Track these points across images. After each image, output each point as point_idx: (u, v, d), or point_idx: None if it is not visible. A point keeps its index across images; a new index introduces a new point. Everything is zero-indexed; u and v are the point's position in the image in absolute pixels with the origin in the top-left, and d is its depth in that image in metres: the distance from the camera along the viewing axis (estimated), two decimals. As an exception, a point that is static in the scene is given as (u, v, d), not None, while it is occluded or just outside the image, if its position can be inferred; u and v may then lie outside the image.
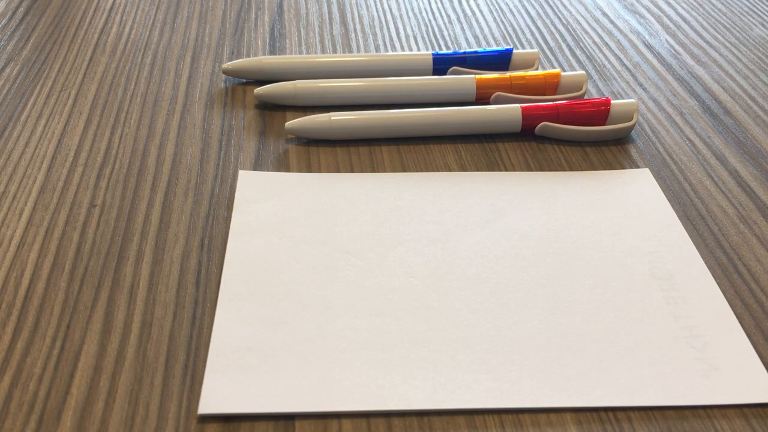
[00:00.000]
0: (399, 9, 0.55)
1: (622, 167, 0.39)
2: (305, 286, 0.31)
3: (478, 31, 0.52)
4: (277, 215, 0.34)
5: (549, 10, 0.55)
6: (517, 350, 0.28)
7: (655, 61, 0.49)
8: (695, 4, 0.57)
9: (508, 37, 0.51)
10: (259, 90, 0.42)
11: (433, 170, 0.38)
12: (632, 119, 0.40)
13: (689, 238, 0.34)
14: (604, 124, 0.40)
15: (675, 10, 0.56)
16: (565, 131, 0.40)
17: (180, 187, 0.36)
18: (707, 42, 0.51)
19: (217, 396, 0.26)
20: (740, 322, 0.30)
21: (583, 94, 0.43)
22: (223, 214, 0.34)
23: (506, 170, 0.38)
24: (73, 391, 0.26)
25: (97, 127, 0.41)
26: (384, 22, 0.53)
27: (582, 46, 0.50)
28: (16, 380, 0.27)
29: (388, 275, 0.31)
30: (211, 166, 0.38)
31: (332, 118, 0.39)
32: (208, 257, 0.32)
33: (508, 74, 0.43)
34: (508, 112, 0.40)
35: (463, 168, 0.38)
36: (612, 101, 0.40)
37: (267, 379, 0.27)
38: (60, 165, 0.38)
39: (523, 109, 0.40)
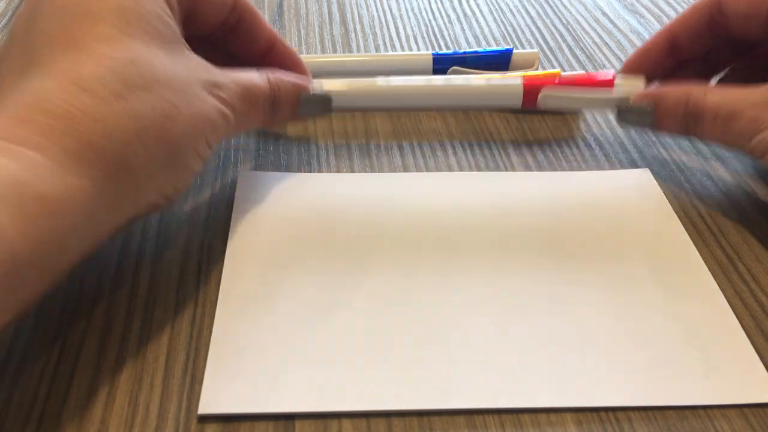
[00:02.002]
0: (399, 9, 0.55)
1: (622, 167, 0.39)
2: (305, 286, 0.31)
3: (478, 31, 0.52)
4: (277, 215, 0.34)
5: (549, 10, 0.55)
6: (517, 350, 0.28)
7: (655, 61, 0.49)
8: (695, 4, 0.57)
9: (508, 37, 0.51)
10: (260, 90, 0.43)
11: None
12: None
13: (689, 238, 0.34)
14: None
15: (675, 10, 0.56)
16: (567, 99, 0.39)
17: (180, 187, 0.36)
18: (707, 42, 0.51)
19: (217, 396, 0.26)
20: (740, 322, 0.30)
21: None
22: (223, 214, 0.34)
23: (505, 168, 0.38)
24: (73, 391, 0.26)
25: (97, 127, 0.41)
26: (384, 22, 0.53)
27: (582, 46, 0.50)
28: (16, 380, 0.27)
29: (388, 275, 0.31)
30: (211, 166, 0.38)
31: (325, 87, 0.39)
32: (208, 257, 0.32)
33: (508, 74, 0.43)
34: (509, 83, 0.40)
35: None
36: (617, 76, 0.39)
37: (267, 379, 0.27)
38: (60, 165, 0.38)
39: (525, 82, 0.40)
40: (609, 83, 0.38)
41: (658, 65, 0.39)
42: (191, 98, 0.28)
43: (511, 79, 0.39)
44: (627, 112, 0.37)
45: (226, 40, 0.36)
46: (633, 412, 0.26)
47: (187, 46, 0.30)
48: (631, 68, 0.40)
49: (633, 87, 0.38)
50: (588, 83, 0.38)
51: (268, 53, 0.36)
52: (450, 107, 0.39)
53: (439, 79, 0.40)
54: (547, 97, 0.39)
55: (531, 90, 0.39)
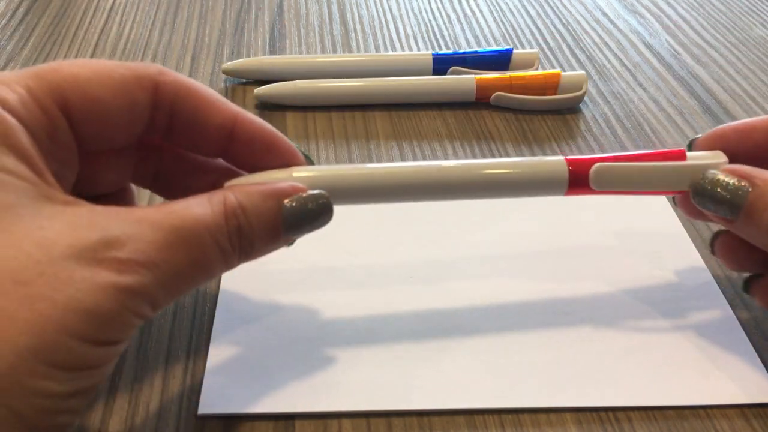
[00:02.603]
0: (399, 9, 0.55)
1: (622, 167, 0.39)
2: (305, 286, 0.31)
3: (478, 31, 0.52)
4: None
5: (549, 10, 0.55)
6: (517, 350, 0.28)
7: (655, 61, 0.49)
8: (695, 4, 0.57)
9: (508, 37, 0.51)
10: (259, 90, 0.42)
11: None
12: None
13: (689, 238, 0.34)
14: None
15: (675, 10, 0.56)
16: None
17: (180, 187, 0.36)
18: (707, 42, 0.51)
19: (217, 396, 0.26)
20: (740, 322, 0.30)
21: (583, 94, 0.43)
22: (223, 214, 0.34)
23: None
24: (73, 391, 0.26)
25: (97, 127, 0.41)
26: (384, 22, 0.53)
27: (582, 46, 0.50)
28: (16, 380, 0.27)
29: (388, 275, 0.31)
30: (211, 166, 0.38)
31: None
32: (208, 257, 0.32)
33: (508, 74, 0.43)
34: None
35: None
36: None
37: (267, 379, 0.27)
38: (60, 165, 0.38)
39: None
40: (679, 155, 0.28)
41: (759, 153, 0.28)
42: (39, 288, 0.19)
43: (552, 160, 0.28)
44: (708, 188, 0.26)
45: (171, 141, 0.26)
46: (633, 412, 0.26)
47: (57, 195, 0.21)
48: (713, 144, 0.29)
49: (713, 160, 0.28)
50: (651, 157, 0.28)
51: (229, 142, 0.26)
52: (484, 196, 0.29)
53: (462, 164, 0.29)
54: (600, 172, 0.27)
55: (579, 171, 0.28)
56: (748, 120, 0.29)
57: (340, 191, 0.26)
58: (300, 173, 0.26)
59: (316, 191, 0.25)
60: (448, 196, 0.28)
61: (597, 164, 0.27)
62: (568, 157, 0.28)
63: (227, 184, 0.25)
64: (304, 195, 0.25)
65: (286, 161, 0.26)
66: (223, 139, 0.26)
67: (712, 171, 0.26)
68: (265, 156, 0.26)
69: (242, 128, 0.26)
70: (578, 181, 0.28)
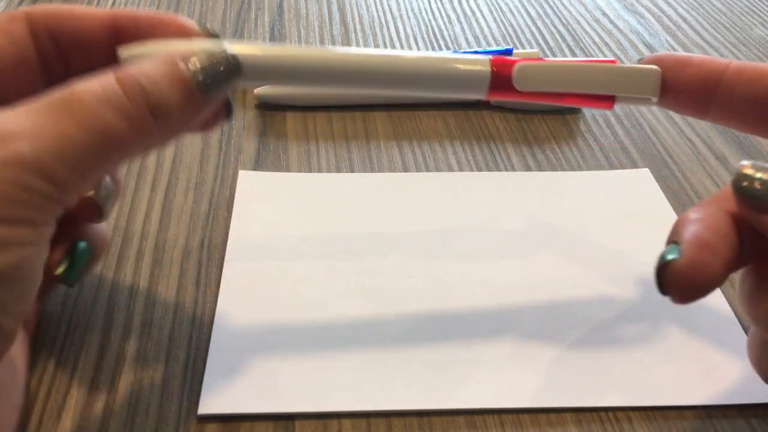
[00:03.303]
0: (399, 9, 0.55)
1: (622, 167, 0.39)
2: (305, 286, 0.31)
3: (478, 31, 0.52)
4: (277, 215, 0.34)
5: (549, 10, 0.55)
6: (517, 350, 0.28)
7: (655, 61, 0.49)
8: (695, 4, 0.57)
9: (508, 37, 0.51)
10: (259, 90, 0.42)
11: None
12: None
13: (689, 238, 0.34)
14: None
15: (675, 10, 0.56)
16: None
17: (180, 187, 0.36)
18: (707, 42, 0.51)
19: (217, 396, 0.26)
20: (740, 322, 0.30)
21: (583, 94, 0.43)
22: (223, 214, 0.34)
23: (505, 168, 0.38)
24: (73, 392, 0.26)
25: (97, 127, 0.41)
26: (384, 22, 0.53)
27: (582, 46, 0.50)
28: (16, 380, 0.27)
29: (388, 275, 0.31)
30: (211, 166, 0.38)
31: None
32: (208, 257, 0.32)
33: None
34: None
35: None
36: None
37: (267, 379, 0.27)
38: (60, 165, 0.38)
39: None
40: (610, 63, 0.28)
41: (690, 86, 0.28)
42: None
43: (475, 58, 0.27)
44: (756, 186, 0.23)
45: (73, 72, 0.26)
46: (633, 412, 0.26)
47: None
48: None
49: (645, 67, 0.27)
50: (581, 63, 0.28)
51: (120, 41, 0.26)
52: (392, 90, 0.28)
53: (379, 53, 0.27)
54: (525, 71, 0.26)
55: (502, 71, 0.26)
56: (687, 54, 0.29)
57: (249, 66, 0.25)
58: (203, 44, 0.25)
59: (213, 48, 0.24)
60: (363, 83, 0.26)
61: (521, 62, 0.26)
62: (493, 57, 0.26)
63: (119, 47, 0.25)
64: (203, 52, 0.24)
65: (183, 35, 0.26)
66: (111, 40, 0.25)
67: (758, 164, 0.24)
68: (157, 35, 0.26)
69: (125, 21, 0.25)
70: (502, 81, 0.26)
